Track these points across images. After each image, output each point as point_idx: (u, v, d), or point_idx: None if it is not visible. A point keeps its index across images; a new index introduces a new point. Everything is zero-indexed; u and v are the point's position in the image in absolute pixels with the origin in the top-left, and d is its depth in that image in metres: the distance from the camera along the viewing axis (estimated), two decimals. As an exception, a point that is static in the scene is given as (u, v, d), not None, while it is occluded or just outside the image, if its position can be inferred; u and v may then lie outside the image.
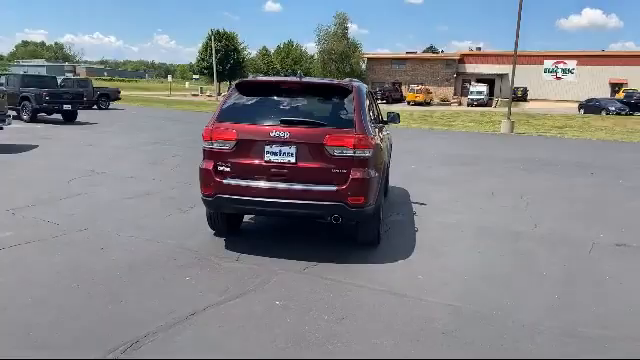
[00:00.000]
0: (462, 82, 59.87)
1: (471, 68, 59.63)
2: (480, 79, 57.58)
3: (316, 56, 72.52)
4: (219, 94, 51.96)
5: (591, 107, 38.79)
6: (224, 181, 4.97)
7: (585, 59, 55.19)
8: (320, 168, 4.84)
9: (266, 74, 74.71)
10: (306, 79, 5.39)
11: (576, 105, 43.56)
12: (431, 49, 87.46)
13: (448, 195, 8.66)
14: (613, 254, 5.74)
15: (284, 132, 4.80)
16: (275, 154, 4.85)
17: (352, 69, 64.17)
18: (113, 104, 31.24)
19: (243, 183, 4.94)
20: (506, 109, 37.15)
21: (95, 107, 28.68)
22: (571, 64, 55.68)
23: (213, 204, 5.09)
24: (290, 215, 5.57)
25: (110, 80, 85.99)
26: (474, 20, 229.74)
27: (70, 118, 20.34)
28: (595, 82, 53.50)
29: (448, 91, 59.30)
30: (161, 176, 9.43)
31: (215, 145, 5.00)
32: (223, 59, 60.90)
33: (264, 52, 79.19)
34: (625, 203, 8.60)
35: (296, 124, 4.88)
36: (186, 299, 4.04)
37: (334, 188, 4.79)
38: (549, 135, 22.58)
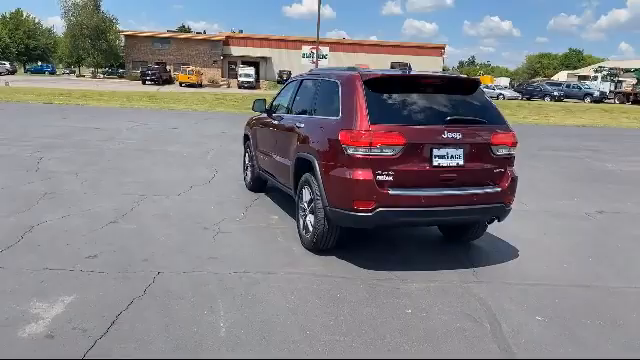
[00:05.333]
0: (228, 64, 60.30)
1: (236, 50, 60.45)
2: (245, 61, 58.94)
3: (55, 30, 63.12)
4: None
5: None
6: (390, 192, 4.29)
7: (335, 45, 61.64)
8: (485, 169, 4.61)
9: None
10: (436, 73, 4.98)
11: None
12: (185, 29, 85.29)
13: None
14: (610, 219, 6.96)
15: (456, 133, 4.40)
16: (443, 157, 4.41)
17: (109, 46, 58.11)
18: None
19: (409, 193, 4.36)
20: (275, 91, 38.66)
21: None
22: (324, 50, 61.25)
23: (371, 219, 4.34)
24: (454, 223, 5.10)
25: None
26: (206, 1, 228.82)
27: None
28: (345, 66, 60.36)
29: (216, 73, 58.98)
30: (84, 188, 7.33)
31: (375, 151, 4.26)
32: None
33: (-15, 22, 64.95)
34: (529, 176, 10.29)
35: (463, 123, 4.51)
36: (458, 338, 3.47)
37: (498, 189, 4.64)
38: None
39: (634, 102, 43.38)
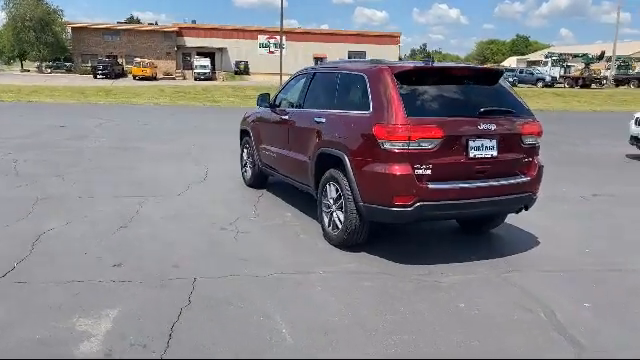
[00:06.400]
0: (183, 55, 58.81)
1: (190, 41, 58.95)
2: (200, 52, 57.59)
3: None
4: None
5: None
6: (429, 186, 4.26)
7: (292, 35, 60.97)
8: (515, 159, 4.66)
9: None
10: (463, 64, 4.96)
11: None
12: (134, 20, 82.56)
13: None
14: (606, 201, 7.22)
15: (490, 124, 4.41)
16: (478, 149, 4.42)
17: (56, 39, 55.39)
18: None
19: (447, 186, 4.35)
20: (233, 82, 38.38)
21: None
22: (281, 39, 60.68)
23: (410, 214, 4.29)
24: (488, 214, 5.09)
25: None
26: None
27: None
28: (302, 56, 59.68)
29: (170, 65, 57.38)
30: (77, 191, 6.95)
31: (413, 145, 4.21)
32: None
33: None
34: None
35: (495, 114, 4.52)
36: (521, 330, 3.50)
37: (527, 179, 4.70)
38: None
39: (582, 86, 45.30)
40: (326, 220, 5.09)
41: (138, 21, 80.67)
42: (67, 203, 6.34)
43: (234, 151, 10.25)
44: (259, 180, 7.26)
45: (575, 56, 50.54)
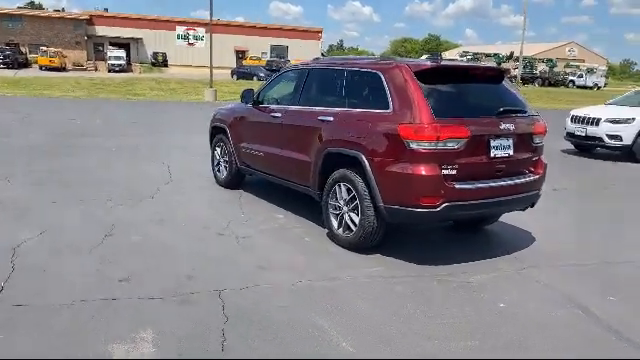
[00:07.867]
0: (94, 45, 55.26)
1: (102, 30, 55.45)
2: (114, 43, 54.45)
3: None
4: None
5: (243, 73, 42.76)
6: (456, 186, 4.22)
7: (213, 27, 59.17)
8: (526, 158, 4.75)
9: None
10: (477, 64, 4.95)
11: (216, 71, 46.92)
12: (35, 6, 76.38)
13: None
14: (567, 195, 7.66)
15: (509, 124, 4.45)
16: (498, 148, 4.44)
17: (-53, 24, 49.83)
18: None
19: (472, 185, 4.33)
20: (152, 74, 37.03)
21: None
22: (201, 31, 58.91)
23: (437, 215, 4.23)
24: (504, 212, 5.11)
25: None
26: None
27: None
28: (223, 49, 58.16)
29: (80, 55, 53.65)
30: (32, 195, 6.23)
31: (440, 145, 4.14)
32: None
33: None
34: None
35: (512, 114, 4.57)
36: (568, 327, 3.57)
37: (536, 177, 4.80)
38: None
39: (494, 84, 48.17)
40: (335, 222, 4.91)
41: (40, 7, 74.76)
42: (28, 210, 5.64)
43: (186, 148, 9.86)
44: (235, 180, 6.90)
45: (487, 56, 53.67)
